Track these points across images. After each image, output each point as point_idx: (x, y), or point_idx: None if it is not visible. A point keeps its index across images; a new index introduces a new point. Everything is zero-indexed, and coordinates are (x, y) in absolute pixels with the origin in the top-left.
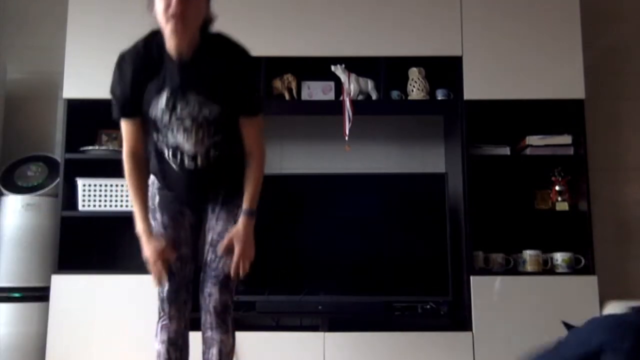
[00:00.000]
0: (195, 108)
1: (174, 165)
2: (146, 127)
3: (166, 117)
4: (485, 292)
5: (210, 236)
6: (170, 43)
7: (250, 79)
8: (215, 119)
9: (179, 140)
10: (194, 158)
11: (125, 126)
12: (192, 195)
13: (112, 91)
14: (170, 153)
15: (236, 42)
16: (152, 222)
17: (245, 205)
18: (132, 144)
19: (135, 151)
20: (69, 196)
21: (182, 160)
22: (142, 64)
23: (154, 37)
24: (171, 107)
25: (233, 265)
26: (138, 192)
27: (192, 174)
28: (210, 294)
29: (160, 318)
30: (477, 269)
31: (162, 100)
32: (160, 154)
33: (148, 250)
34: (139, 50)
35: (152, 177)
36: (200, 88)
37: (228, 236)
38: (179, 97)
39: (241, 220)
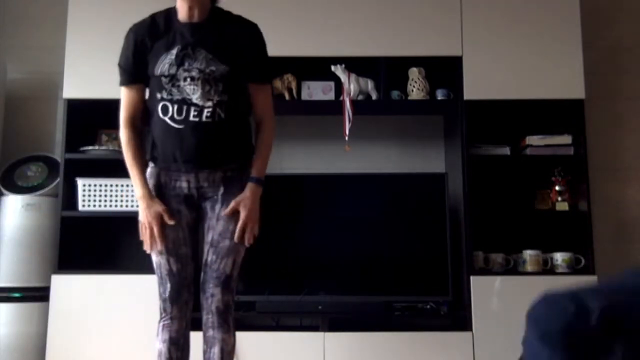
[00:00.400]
0: (203, 64)
1: (177, 125)
2: (148, 99)
3: (173, 70)
4: (485, 292)
5: (210, 236)
6: (182, 7)
7: (260, 47)
8: (222, 77)
9: (185, 93)
10: (199, 113)
11: (126, 93)
12: (191, 159)
13: (119, 62)
14: (176, 109)
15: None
16: None
17: (254, 173)
18: (131, 111)
19: (133, 119)
20: (69, 196)
21: (187, 114)
22: (147, 32)
23: (164, 11)
24: (179, 62)
25: (238, 229)
26: (136, 158)
27: (196, 130)
28: (213, 295)
29: (161, 318)
30: (477, 269)
31: (171, 56)
32: (164, 114)
33: (147, 213)
34: (145, 20)
35: (148, 170)
36: (210, 46)
37: (235, 200)
38: (188, 52)
39: (249, 187)
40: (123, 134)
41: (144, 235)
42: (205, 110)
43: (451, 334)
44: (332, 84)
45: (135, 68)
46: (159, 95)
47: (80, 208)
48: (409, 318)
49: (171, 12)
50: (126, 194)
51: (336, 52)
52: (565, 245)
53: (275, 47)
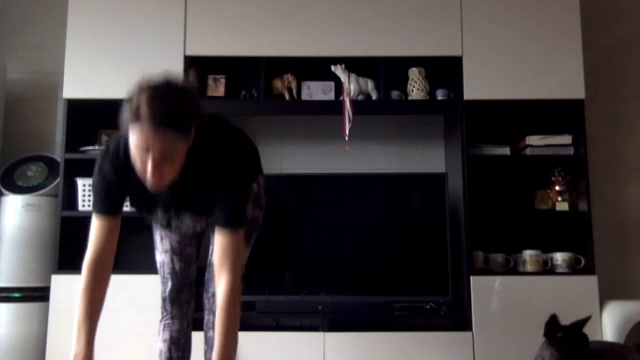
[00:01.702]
0: (190, 224)
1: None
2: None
3: (164, 223)
4: (485, 292)
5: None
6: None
7: (234, 194)
8: (210, 224)
9: (175, 230)
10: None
11: (98, 223)
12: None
13: (93, 185)
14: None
15: (228, 144)
16: (153, 225)
17: None
18: (100, 246)
19: (100, 258)
20: (69, 196)
21: (178, 228)
22: (125, 177)
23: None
24: (166, 223)
25: None
26: (88, 316)
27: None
28: (215, 295)
29: (162, 317)
30: (477, 269)
31: (157, 216)
32: (155, 222)
33: None
34: (121, 162)
35: None
36: (194, 209)
37: None
38: (172, 214)
39: None
40: (84, 275)
41: None
42: (192, 231)
43: (451, 334)
44: (332, 84)
45: (113, 201)
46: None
47: (80, 208)
48: (409, 318)
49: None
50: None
51: (336, 52)
52: (565, 245)
53: (275, 47)
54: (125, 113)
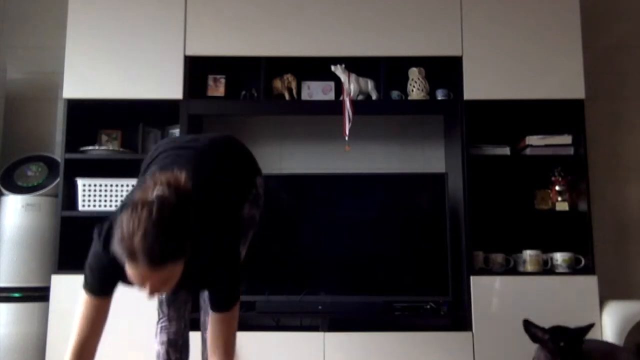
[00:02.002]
0: (184, 296)
1: None
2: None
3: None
4: (485, 292)
5: None
6: None
7: (227, 278)
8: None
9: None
10: None
11: (89, 301)
12: None
13: (88, 264)
14: None
15: (218, 220)
16: None
17: None
18: (88, 330)
19: (86, 344)
20: (69, 196)
21: None
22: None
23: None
24: (159, 299)
25: None
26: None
27: None
28: None
29: (159, 319)
30: (477, 269)
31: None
32: None
33: None
34: (111, 262)
35: None
36: (186, 287)
37: None
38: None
39: None
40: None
41: None
42: None
43: (451, 334)
44: (332, 84)
45: (109, 283)
46: None
47: (80, 208)
48: (409, 318)
49: None
50: (126, 194)
51: (336, 52)
52: (565, 245)
53: (275, 47)
54: (117, 246)
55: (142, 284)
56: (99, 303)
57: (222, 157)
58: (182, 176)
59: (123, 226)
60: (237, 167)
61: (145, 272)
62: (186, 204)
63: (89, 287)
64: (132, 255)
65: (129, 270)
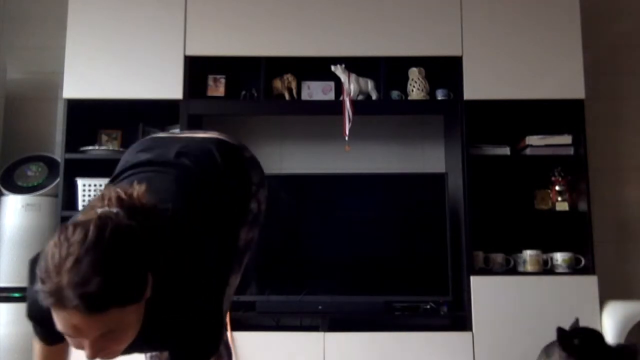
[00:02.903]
0: (148, 354)
1: None
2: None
3: None
4: (485, 292)
5: None
6: None
7: (202, 343)
8: None
9: None
10: None
11: (39, 346)
12: None
13: (29, 316)
14: None
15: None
16: None
17: None
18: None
19: None
20: (69, 196)
21: None
22: None
23: None
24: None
25: None
26: None
27: None
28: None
29: None
30: (477, 269)
31: None
32: None
33: None
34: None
35: None
36: (151, 349)
37: None
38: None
39: None
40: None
41: None
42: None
43: (451, 334)
44: (332, 84)
45: (53, 330)
46: None
47: (80, 208)
48: (409, 318)
49: None
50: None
51: (336, 52)
52: (565, 245)
53: (275, 47)
54: (39, 284)
55: (77, 340)
56: (55, 349)
57: (215, 180)
58: (140, 190)
59: (48, 257)
60: (234, 191)
61: (78, 321)
62: (144, 226)
63: (39, 336)
64: (57, 295)
65: (56, 318)
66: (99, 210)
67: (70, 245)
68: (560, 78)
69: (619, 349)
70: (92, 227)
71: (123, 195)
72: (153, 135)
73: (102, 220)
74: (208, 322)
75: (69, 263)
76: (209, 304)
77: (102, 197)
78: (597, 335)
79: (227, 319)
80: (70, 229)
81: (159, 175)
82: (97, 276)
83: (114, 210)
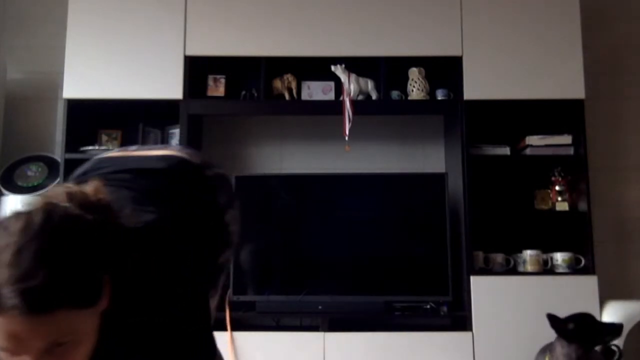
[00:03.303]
0: None
1: None
2: None
3: None
4: (485, 292)
5: None
6: None
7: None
8: None
9: None
10: None
11: None
12: None
13: None
14: None
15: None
16: None
17: None
18: None
19: None
20: None
21: None
22: None
23: None
24: None
25: None
26: None
27: None
28: None
29: None
30: (477, 269)
31: None
32: None
33: None
34: None
35: None
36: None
37: None
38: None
39: None
40: None
41: None
42: None
43: (451, 334)
44: (332, 84)
45: None
46: None
47: None
48: (409, 318)
49: None
50: None
51: (336, 52)
52: (565, 245)
53: (275, 47)
54: None
55: (16, 359)
56: None
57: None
58: (97, 185)
59: None
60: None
61: (18, 327)
62: (101, 221)
63: None
64: None
65: None
66: (45, 201)
67: (9, 235)
68: (560, 78)
69: (608, 325)
70: (37, 213)
71: (73, 190)
72: (101, 156)
73: (50, 207)
74: (189, 333)
75: (7, 254)
76: (186, 313)
77: (46, 196)
78: (589, 316)
79: (227, 320)
80: (12, 217)
81: (124, 183)
82: (41, 269)
83: (64, 204)
